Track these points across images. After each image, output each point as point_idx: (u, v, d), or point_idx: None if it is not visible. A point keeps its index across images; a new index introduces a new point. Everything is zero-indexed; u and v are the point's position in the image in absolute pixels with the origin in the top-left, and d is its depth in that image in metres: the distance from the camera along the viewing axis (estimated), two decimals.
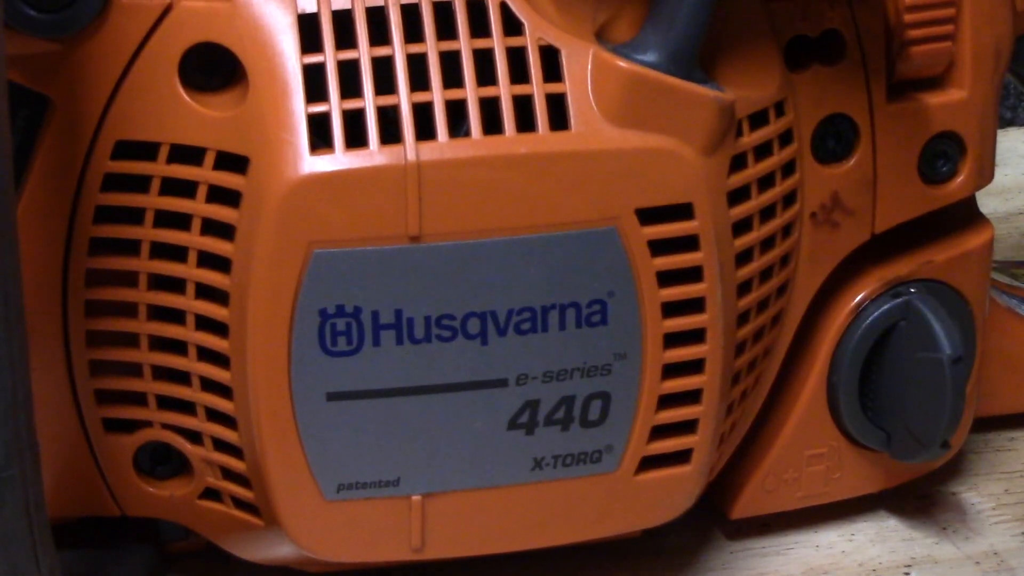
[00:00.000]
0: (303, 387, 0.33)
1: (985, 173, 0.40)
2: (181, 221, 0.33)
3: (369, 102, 0.32)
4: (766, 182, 0.36)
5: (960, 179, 0.39)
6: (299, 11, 0.32)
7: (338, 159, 0.31)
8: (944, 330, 0.38)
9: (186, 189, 0.33)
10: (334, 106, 0.32)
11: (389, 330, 0.32)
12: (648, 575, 0.39)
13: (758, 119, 0.35)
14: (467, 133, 0.32)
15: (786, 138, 0.36)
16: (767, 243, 0.36)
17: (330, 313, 0.32)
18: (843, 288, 0.39)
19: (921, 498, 0.43)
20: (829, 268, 0.39)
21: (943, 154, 0.39)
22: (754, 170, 0.35)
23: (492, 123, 0.32)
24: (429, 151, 0.32)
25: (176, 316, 0.34)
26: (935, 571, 0.39)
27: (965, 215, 0.41)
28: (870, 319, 0.39)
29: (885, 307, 0.39)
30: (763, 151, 0.36)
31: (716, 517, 0.41)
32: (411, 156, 0.31)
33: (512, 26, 0.33)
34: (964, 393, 0.38)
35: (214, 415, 0.34)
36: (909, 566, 0.40)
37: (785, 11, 0.36)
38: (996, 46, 0.39)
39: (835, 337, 0.39)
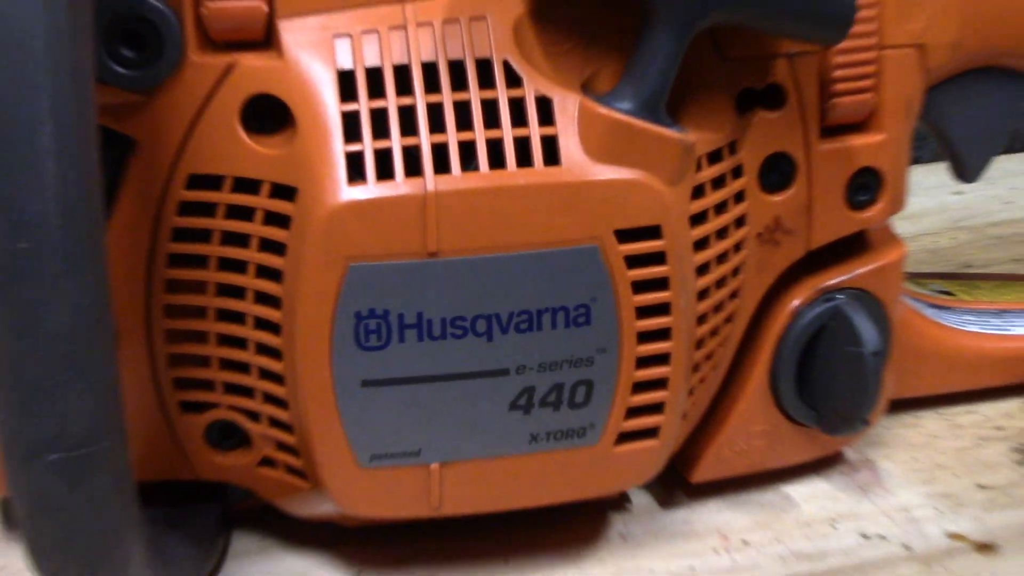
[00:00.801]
0: (342, 376, 0.33)
1: (899, 201, 0.41)
2: (242, 240, 0.34)
3: (396, 142, 0.32)
4: (721, 208, 0.36)
5: (879, 206, 0.40)
6: (338, 68, 0.33)
7: (370, 189, 0.32)
8: (865, 329, 0.39)
9: (246, 214, 0.33)
10: (367, 146, 0.32)
11: (412, 329, 0.33)
12: (622, 528, 0.40)
13: (714, 156, 0.36)
14: (476, 168, 0.33)
15: (737, 172, 0.37)
16: (721, 258, 0.37)
17: (363, 315, 0.33)
18: (783, 294, 0.40)
19: (845, 464, 0.43)
20: (772, 278, 0.39)
21: (865, 186, 0.39)
22: (711, 198, 0.36)
23: (496, 159, 0.33)
24: (445, 182, 0.32)
25: (238, 318, 0.34)
26: (857, 523, 0.40)
27: (883, 235, 0.42)
28: (805, 320, 0.40)
29: (817, 310, 0.40)
30: (718, 183, 0.36)
31: (679, 481, 0.41)
32: (430, 187, 0.32)
33: (513, 80, 0.33)
34: (881, 380, 0.39)
35: (269, 398, 0.35)
36: (835, 519, 0.41)
37: (737, 68, 0.37)
38: (908, 98, 0.40)
39: (776, 335, 0.40)
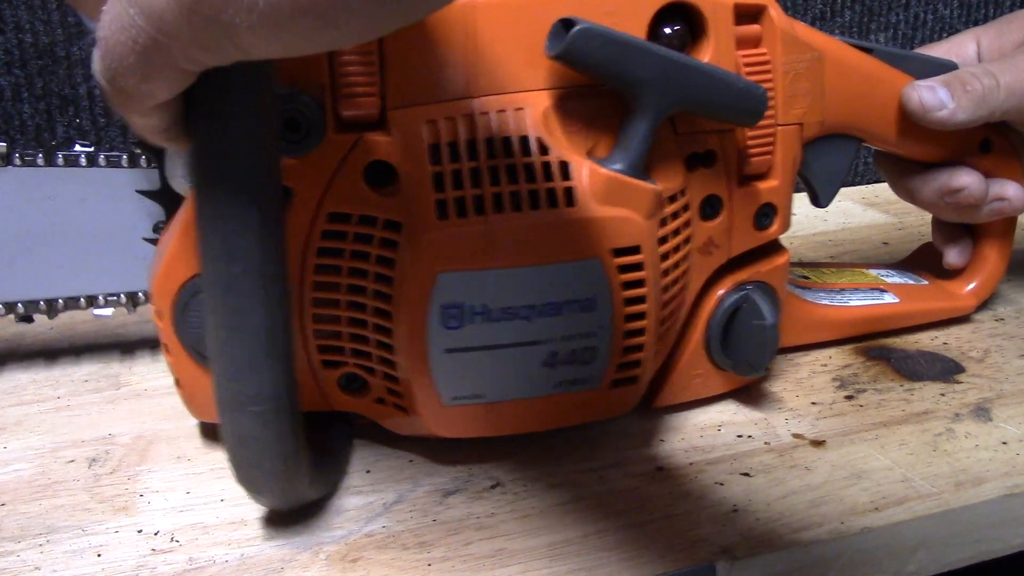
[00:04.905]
0: (433, 345, 0.32)
1: (786, 225, 0.40)
2: (365, 256, 0.32)
3: (468, 192, 0.31)
4: (676, 232, 0.35)
5: (774, 228, 0.39)
6: (428, 142, 0.31)
7: (452, 224, 0.31)
8: (766, 309, 0.38)
9: (367, 239, 0.32)
10: (449, 194, 0.31)
11: (479, 315, 0.32)
12: (614, 440, 0.39)
13: (672, 198, 0.35)
14: (520, 208, 0.32)
15: (686, 208, 0.36)
16: (676, 264, 0.36)
17: (447, 306, 0.32)
18: (713, 286, 0.39)
19: (751, 394, 0.42)
20: (707, 276, 0.39)
21: (766, 215, 0.39)
22: (671, 226, 0.35)
23: (534, 202, 0.32)
24: (500, 220, 0.31)
25: (361, 307, 0.33)
26: (734, 428, 0.39)
27: (775, 246, 0.41)
28: (727, 303, 0.39)
29: (735, 296, 0.39)
30: (675, 215, 0.35)
31: (647, 407, 0.40)
32: (491, 222, 0.31)
33: (543, 150, 0.32)
34: (776, 342, 0.38)
35: (382, 360, 0.34)
36: (720, 426, 0.39)
37: (686, 140, 0.36)
38: (793, 158, 0.39)
39: (709, 312, 0.39)
